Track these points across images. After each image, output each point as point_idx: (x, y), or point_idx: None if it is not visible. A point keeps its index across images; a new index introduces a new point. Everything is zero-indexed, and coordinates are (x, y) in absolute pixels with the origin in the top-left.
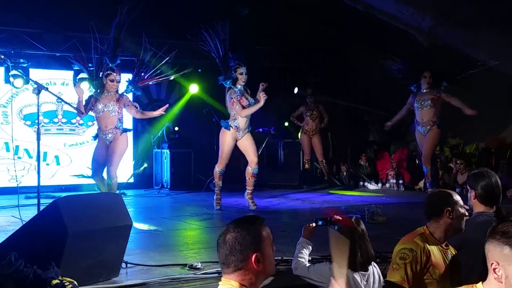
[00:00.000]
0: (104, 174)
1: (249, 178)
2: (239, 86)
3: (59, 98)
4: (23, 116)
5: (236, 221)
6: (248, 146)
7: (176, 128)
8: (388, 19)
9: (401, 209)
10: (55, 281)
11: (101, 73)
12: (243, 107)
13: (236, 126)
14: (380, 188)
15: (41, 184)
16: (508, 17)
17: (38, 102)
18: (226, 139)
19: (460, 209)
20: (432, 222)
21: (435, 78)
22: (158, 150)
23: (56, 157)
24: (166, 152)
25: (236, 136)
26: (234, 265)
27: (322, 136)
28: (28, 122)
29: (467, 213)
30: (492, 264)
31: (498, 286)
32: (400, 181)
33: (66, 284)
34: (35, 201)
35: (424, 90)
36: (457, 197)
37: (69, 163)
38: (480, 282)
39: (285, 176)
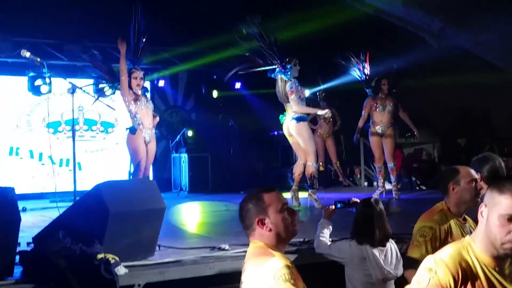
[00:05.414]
0: None
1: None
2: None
3: (97, 93)
4: (46, 124)
5: (249, 192)
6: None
7: (190, 134)
8: (397, 21)
9: (415, 203)
10: (100, 256)
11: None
12: (301, 99)
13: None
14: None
15: (64, 190)
16: None
17: (73, 102)
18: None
19: (464, 183)
20: (446, 198)
21: (391, 86)
22: (177, 155)
23: (78, 163)
24: (184, 156)
25: None
26: (248, 229)
27: (335, 139)
28: (51, 130)
29: (479, 186)
30: (481, 206)
31: (481, 231)
32: (413, 179)
33: (110, 259)
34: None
35: (383, 96)
36: (464, 172)
37: (89, 168)
38: (468, 235)
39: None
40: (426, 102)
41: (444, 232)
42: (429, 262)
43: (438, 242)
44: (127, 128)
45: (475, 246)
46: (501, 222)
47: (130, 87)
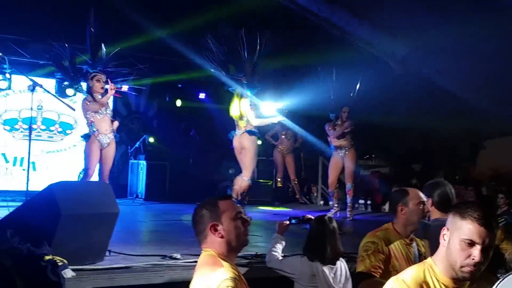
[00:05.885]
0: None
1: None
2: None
3: (55, 95)
4: (2, 121)
5: (205, 199)
6: None
7: (151, 140)
8: (363, 45)
9: (368, 224)
10: (47, 257)
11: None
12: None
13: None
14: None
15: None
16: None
17: (32, 99)
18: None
19: (412, 204)
20: (394, 219)
21: (350, 114)
22: (135, 161)
23: (33, 163)
24: (143, 163)
25: None
26: (200, 235)
27: (295, 155)
28: (7, 127)
29: (426, 209)
30: (443, 230)
31: (442, 254)
32: (368, 202)
33: (57, 261)
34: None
35: (340, 122)
36: (413, 194)
37: (45, 169)
38: (429, 257)
39: (258, 192)
40: (385, 127)
41: (388, 249)
42: (390, 283)
43: (381, 255)
44: (81, 136)
45: (436, 268)
46: (461, 246)
47: (93, 91)
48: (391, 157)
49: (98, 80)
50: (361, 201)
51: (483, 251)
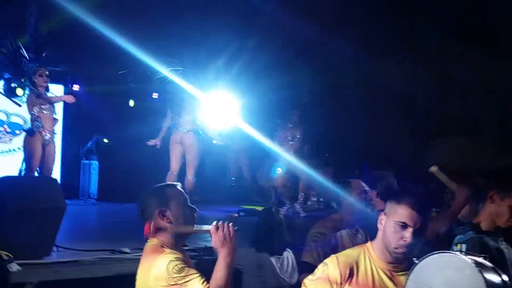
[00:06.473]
0: None
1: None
2: None
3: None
4: None
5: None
6: None
7: (106, 140)
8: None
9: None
10: None
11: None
12: None
13: None
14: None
15: None
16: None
17: None
18: None
19: (355, 194)
20: (338, 209)
21: (300, 118)
22: (87, 161)
23: None
24: (95, 163)
25: None
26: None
27: (248, 154)
28: None
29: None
30: (381, 215)
31: (379, 237)
32: (321, 199)
33: (3, 255)
34: None
35: (291, 126)
36: (355, 184)
37: None
38: (369, 241)
39: (213, 191)
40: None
41: (335, 239)
42: (327, 259)
43: (328, 247)
44: (24, 129)
45: (372, 251)
46: (395, 228)
47: (35, 86)
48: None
49: (41, 75)
50: (314, 199)
51: (414, 233)
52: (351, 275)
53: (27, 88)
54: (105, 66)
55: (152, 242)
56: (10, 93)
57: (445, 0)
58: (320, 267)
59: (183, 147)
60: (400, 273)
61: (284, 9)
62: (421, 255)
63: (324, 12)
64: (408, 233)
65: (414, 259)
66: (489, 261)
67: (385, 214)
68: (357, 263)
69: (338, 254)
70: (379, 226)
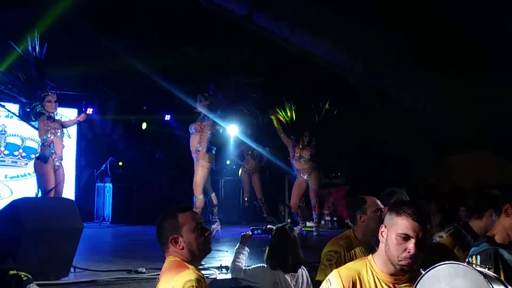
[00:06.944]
0: None
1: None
2: None
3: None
4: None
5: (165, 211)
6: None
7: (120, 163)
8: (323, 64)
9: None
10: (12, 272)
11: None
12: None
13: None
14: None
15: None
16: (432, 61)
17: None
18: None
19: (370, 212)
20: (354, 226)
21: (310, 139)
22: (101, 184)
23: None
24: (109, 186)
25: None
26: (163, 246)
27: (261, 174)
28: None
29: (383, 215)
30: (381, 227)
31: (381, 250)
32: (335, 219)
33: (22, 276)
34: None
35: (301, 146)
36: (370, 201)
37: (9, 195)
38: (371, 254)
39: (226, 212)
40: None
41: (349, 257)
42: (330, 275)
43: (343, 265)
44: (37, 156)
45: (374, 264)
46: (398, 240)
47: (45, 110)
48: (354, 174)
49: (49, 101)
50: (327, 218)
51: (417, 244)
52: None
53: (39, 113)
54: (118, 90)
55: (171, 259)
56: (26, 118)
57: None
58: (324, 284)
59: None
60: (403, 285)
61: None
62: (424, 266)
63: None
64: (411, 245)
65: (421, 270)
66: (504, 273)
67: (385, 226)
68: (359, 276)
69: (340, 268)
70: (380, 238)
